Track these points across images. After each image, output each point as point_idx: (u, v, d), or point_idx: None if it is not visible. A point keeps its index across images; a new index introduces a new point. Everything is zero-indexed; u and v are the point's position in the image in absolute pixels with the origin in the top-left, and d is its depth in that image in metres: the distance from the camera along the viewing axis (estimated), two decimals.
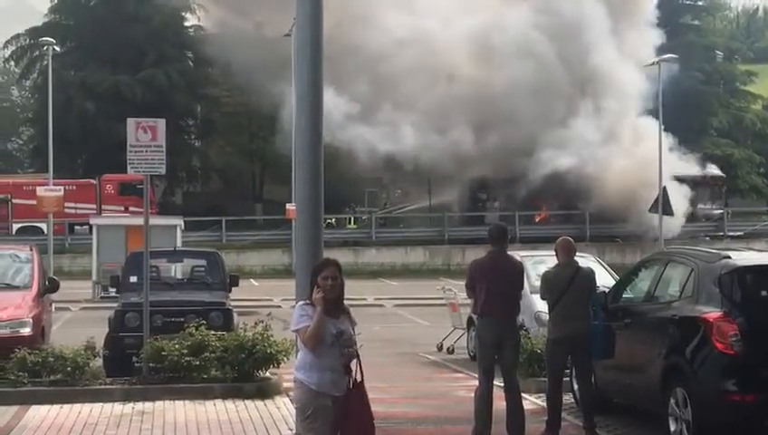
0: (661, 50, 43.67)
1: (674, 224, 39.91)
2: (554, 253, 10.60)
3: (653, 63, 39.46)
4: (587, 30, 44.60)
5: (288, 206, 37.59)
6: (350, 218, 47.64)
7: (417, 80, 42.82)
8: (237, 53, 45.63)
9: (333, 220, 44.90)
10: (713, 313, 9.10)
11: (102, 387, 12.49)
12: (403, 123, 42.99)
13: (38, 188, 35.04)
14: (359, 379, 6.82)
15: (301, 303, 6.93)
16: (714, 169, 47.52)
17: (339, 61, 37.92)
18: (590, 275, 10.49)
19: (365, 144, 41.79)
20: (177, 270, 17.18)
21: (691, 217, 46.59)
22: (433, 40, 43.46)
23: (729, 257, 9.61)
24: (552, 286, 10.34)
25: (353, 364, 6.79)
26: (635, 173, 41.60)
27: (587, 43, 44.52)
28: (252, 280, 34.63)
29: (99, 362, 13.23)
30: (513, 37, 44.14)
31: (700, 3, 59.84)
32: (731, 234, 44.75)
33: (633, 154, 42.96)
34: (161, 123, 13.05)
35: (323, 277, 6.76)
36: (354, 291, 23.97)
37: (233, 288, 15.79)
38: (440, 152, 42.88)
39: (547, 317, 10.76)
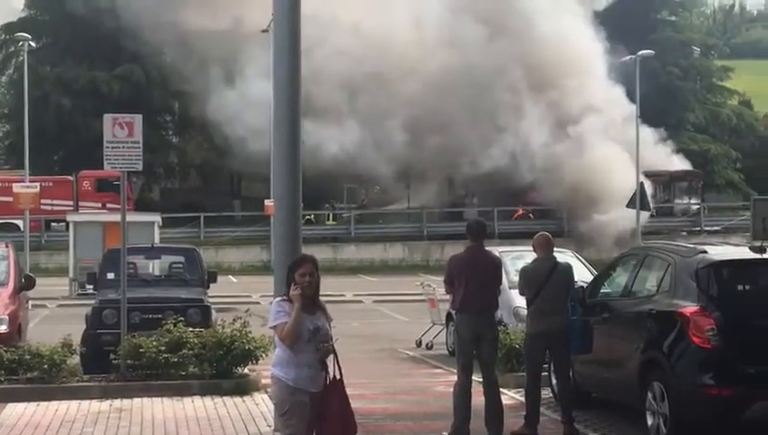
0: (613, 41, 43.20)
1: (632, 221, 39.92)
2: (532, 248, 10.64)
3: (629, 59, 39.66)
4: (522, 5, 43.01)
5: (266, 202, 37.48)
6: (328, 215, 47.59)
7: (351, 78, 41.90)
8: (169, 46, 45.51)
9: (312, 216, 44.85)
10: (689, 307, 9.14)
11: (80, 384, 12.42)
12: (339, 123, 42.35)
13: (14, 184, 34.86)
14: (337, 375, 6.81)
15: (278, 299, 6.91)
16: (681, 163, 47.70)
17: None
18: (568, 269, 10.53)
19: (307, 142, 41.27)
20: (154, 267, 17.09)
21: (668, 212, 46.96)
22: (367, 37, 42.42)
23: (706, 252, 9.64)
24: (530, 281, 10.36)
25: (329, 360, 6.78)
26: (592, 166, 41.35)
27: (526, 19, 42.77)
28: (230, 276, 34.53)
29: (76, 359, 13.13)
30: (433, 27, 42.65)
31: None
32: (707, 229, 45.04)
33: (592, 145, 42.45)
34: (138, 119, 12.98)
35: (300, 274, 6.74)
36: (333, 287, 24.07)
37: (211, 285, 15.74)
38: (376, 154, 42.37)
39: (525, 312, 10.78)
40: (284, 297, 6.80)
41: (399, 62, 42.66)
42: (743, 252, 10.16)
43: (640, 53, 38.95)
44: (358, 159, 42.29)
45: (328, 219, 47.40)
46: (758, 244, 9.87)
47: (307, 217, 41.49)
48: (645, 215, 38.84)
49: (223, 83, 43.78)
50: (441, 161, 43.39)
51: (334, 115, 42.52)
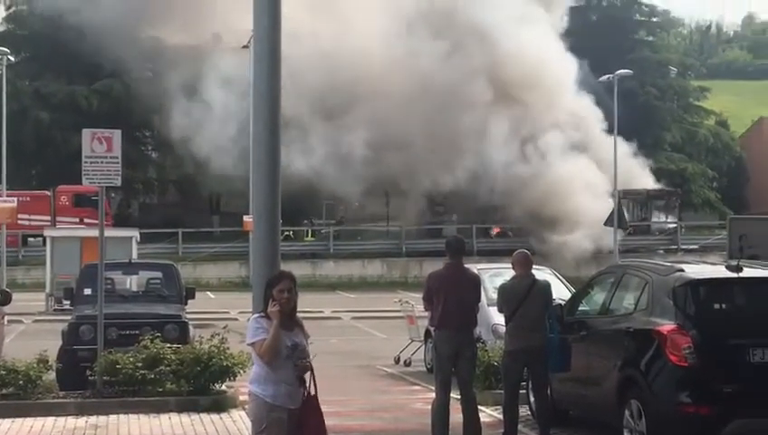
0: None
1: (584, 242, 39.91)
2: (511, 266, 10.66)
3: (608, 79, 39.91)
4: (485, 18, 42.37)
5: (245, 218, 37.42)
6: (307, 231, 47.55)
7: (312, 95, 41.42)
8: (146, 62, 45.45)
9: (291, 232, 44.79)
10: (666, 325, 9.19)
11: (55, 401, 12.34)
12: (303, 140, 42.04)
13: None
14: (312, 392, 6.80)
15: (255, 315, 6.88)
16: (651, 177, 47.97)
17: None
18: (546, 287, 10.56)
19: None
20: (132, 282, 17.00)
21: (645, 231, 47.24)
22: (329, 54, 41.79)
23: (683, 271, 9.71)
24: (508, 298, 10.39)
25: (307, 377, 6.77)
26: (556, 185, 41.31)
27: (487, 33, 42.20)
28: (208, 293, 34.40)
29: (52, 375, 13.06)
30: (386, 44, 41.97)
31: (654, 19, 60.73)
32: (684, 247, 45.30)
33: (559, 163, 42.26)
34: (117, 134, 12.96)
35: (279, 290, 6.73)
36: (312, 303, 24.05)
37: (189, 301, 15.68)
38: (339, 172, 42.08)
39: (504, 329, 10.80)
40: (262, 314, 6.78)
41: (361, 80, 42.39)
42: (719, 271, 10.22)
43: (618, 72, 39.20)
44: (323, 177, 42.13)
45: (307, 235, 47.35)
46: (734, 262, 9.93)
47: (286, 232, 41.41)
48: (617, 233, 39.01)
49: (187, 99, 43.71)
50: (403, 179, 43.36)
51: (297, 132, 42.35)
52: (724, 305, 9.62)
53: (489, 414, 11.73)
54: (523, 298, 10.22)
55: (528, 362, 10.33)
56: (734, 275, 9.60)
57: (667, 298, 9.42)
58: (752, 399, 8.93)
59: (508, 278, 10.92)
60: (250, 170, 29.96)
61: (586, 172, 41.77)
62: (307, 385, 6.78)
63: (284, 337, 6.68)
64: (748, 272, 9.72)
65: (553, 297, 10.73)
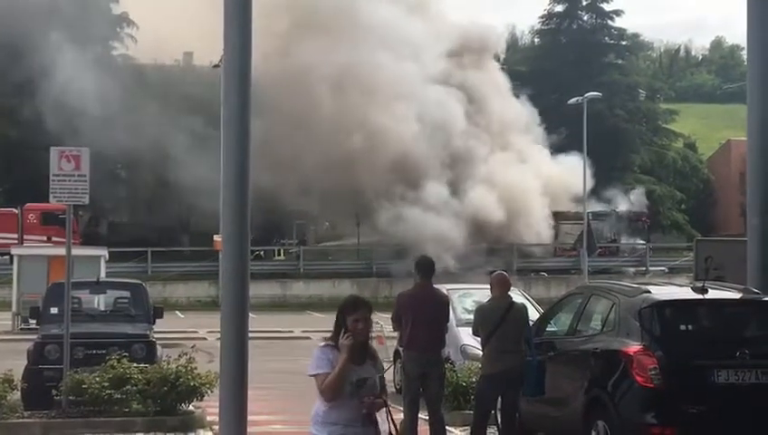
0: None
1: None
2: (490, 287, 10.57)
3: (577, 101, 40.23)
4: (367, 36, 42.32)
5: (215, 237, 37.26)
6: (278, 250, 47.42)
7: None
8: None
9: (261, 252, 44.65)
10: (633, 346, 9.24)
11: (20, 421, 12.22)
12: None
13: None
14: (393, 433, 6.05)
15: (321, 344, 6.19)
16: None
17: None
18: (523, 309, 10.49)
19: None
20: (99, 301, 16.87)
21: (614, 252, 47.53)
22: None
23: (649, 292, 9.77)
24: (485, 320, 10.27)
25: (381, 414, 6.00)
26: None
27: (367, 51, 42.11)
28: (177, 312, 34.18)
29: (17, 395, 12.93)
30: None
31: (624, 42, 61.32)
32: (652, 269, 45.62)
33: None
34: (85, 152, 12.90)
35: (354, 320, 6.02)
36: (282, 323, 23.91)
37: (157, 320, 15.59)
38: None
39: (472, 350, 10.80)
40: (330, 343, 6.10)
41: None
42: (685, 292, 10.29)
43: (587, 95, 39.54)
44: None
45: (277, 254, 47.20)
46: (700, 284, 10.01)
47: (256, 252, 41.23)
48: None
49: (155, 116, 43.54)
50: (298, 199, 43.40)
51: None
52: (689, 327, 9.69)
53: None
54: (500, 320, 10.13)
55: (506, 384, 10.18)
56: (700, 296, 9.67)
57: (633, 319, 9.47)
58: (717, 420, 9.00)
59: (477, 298, 10.91)
60: (220, 189, 29.79)
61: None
62: (383, 426, 5.98)
63: (351, 372, 5.94)
64: (714, 294, 9.80)
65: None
